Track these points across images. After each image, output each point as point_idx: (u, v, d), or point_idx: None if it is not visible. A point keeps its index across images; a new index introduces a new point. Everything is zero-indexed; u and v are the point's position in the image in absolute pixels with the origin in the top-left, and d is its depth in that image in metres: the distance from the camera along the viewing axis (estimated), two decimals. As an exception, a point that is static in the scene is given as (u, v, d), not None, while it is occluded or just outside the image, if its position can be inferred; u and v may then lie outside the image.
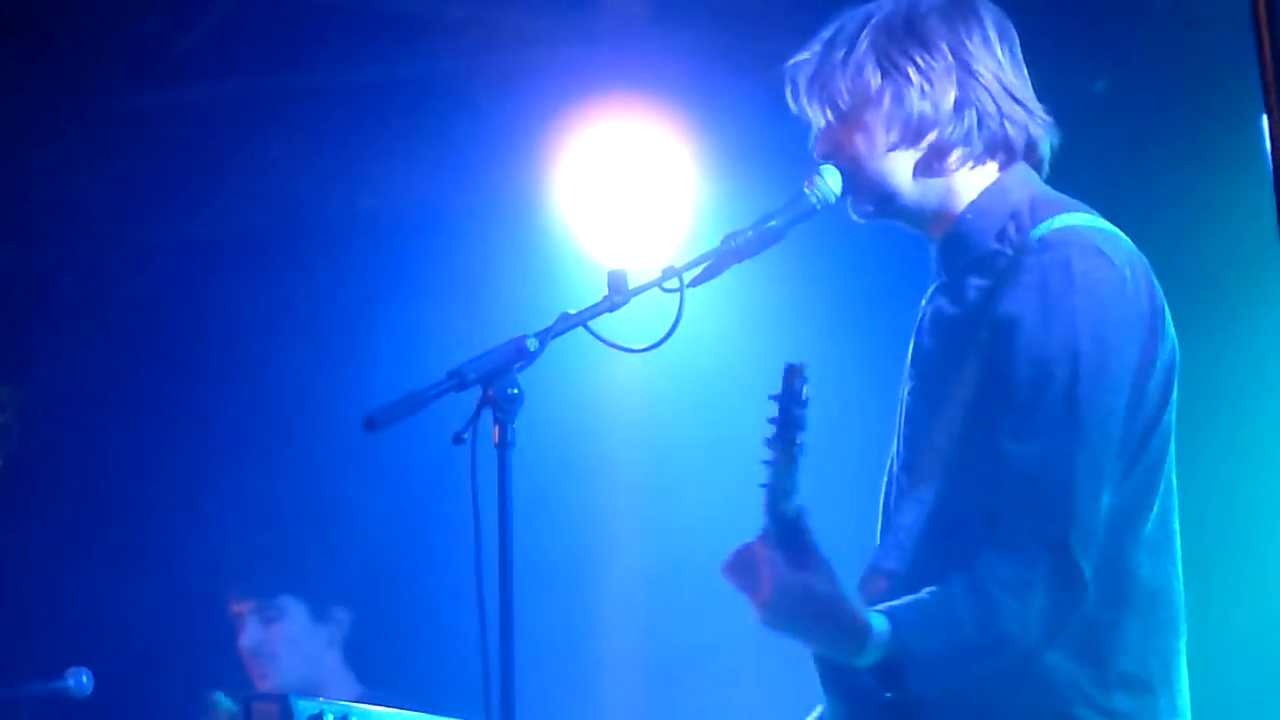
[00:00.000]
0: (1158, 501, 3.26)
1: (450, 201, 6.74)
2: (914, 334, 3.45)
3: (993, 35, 3.43)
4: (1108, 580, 3.14)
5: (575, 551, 6.48)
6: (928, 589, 3.07)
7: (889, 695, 3.05)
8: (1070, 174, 3.49)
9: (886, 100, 3.37)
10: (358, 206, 6.78)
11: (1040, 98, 3.46)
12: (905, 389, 3.42)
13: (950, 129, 3.37)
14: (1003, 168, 3.41)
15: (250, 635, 6.04)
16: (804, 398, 3.02)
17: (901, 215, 3.46)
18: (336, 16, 6.44)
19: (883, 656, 3.01)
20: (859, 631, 2.99)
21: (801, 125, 3.53)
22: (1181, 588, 3.30)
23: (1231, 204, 5.48)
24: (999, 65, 3.41)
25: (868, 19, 3.43)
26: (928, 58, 3.38)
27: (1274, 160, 1.98)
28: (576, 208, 6.57)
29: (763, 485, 3.04)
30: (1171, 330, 3.28)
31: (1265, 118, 1.94)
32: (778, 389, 3.03)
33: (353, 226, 6.80)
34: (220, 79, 6.65)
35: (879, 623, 2.99)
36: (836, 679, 3.20)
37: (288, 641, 6.05)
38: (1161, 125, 5.88)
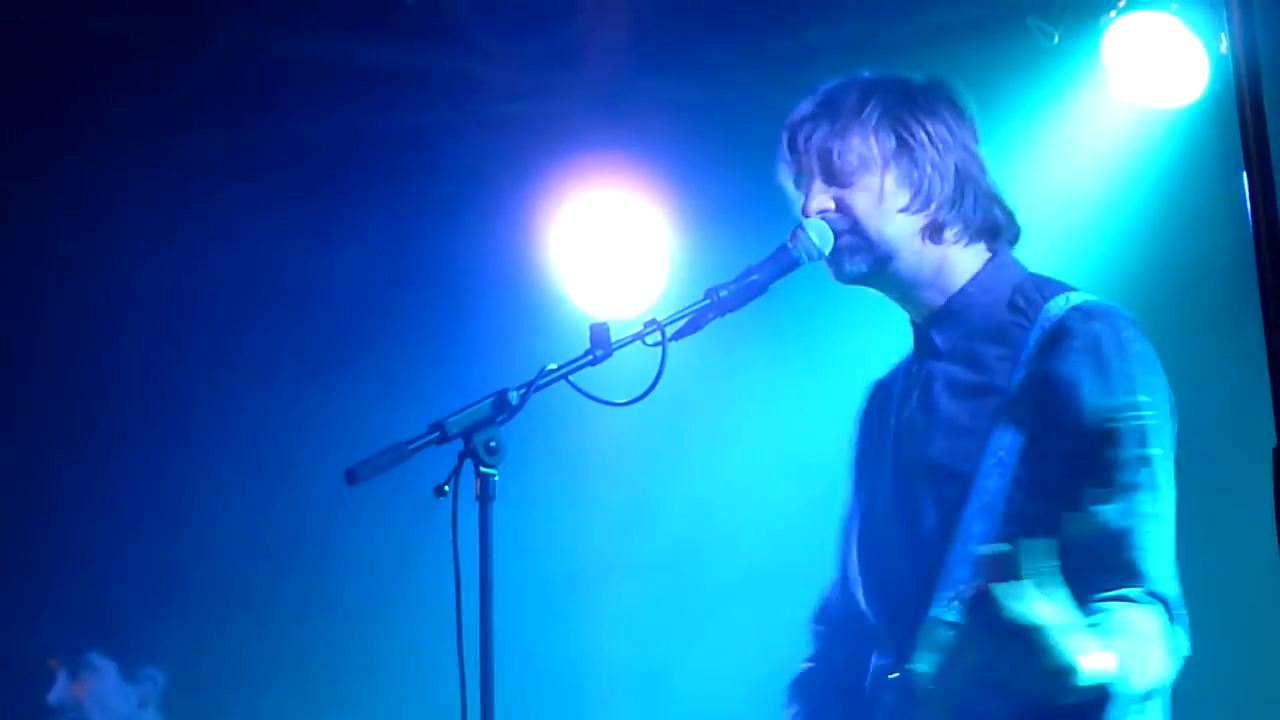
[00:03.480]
0: None
1: (432, 253, 6.75)
2: (911, 404, 3.46)
3: (976, 128, 3.54)
4: None
5: (556, 604, 6.47)
6: (1105, 631, 3.06)
7: None
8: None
9: (903, 163, 3.43)
10: (339, 257, 6.78)
11: None
12: (920, 453, 3.41)
13: (953, 201, 3.44)
14: (989, 249, 3.49)
15: (56, 691, 6.02)
16: None
17: (891, 280, 3.48)
18: (319, 70, 6.46)
19: (1086, 694, 3.01)
20: (1072, 672, 2.96)
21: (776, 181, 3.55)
22: None
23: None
24: (981, 154, 3.52)
25: (869, 86, 3.50)
26: (935, 127, 3.46)
27: (1254, 218, 1.99)
28: (559, 259, 6.59)
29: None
30: None
31: (1244, 174, 1.95)
32: None
33: (333, 277, 6.80)
34: (202, 132, 6.66)
35: (1098, 663, 2.98)
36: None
37: (94, 699, 6.05)
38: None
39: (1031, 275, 3.47)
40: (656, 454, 6.48)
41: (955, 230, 3.45)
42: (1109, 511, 3.16)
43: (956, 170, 3.44)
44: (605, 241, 6.53)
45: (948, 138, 3.46)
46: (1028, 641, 2.92)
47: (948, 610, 3.26)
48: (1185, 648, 3.18)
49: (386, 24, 6.32)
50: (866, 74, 3.53)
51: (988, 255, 3.48)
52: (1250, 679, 5.78)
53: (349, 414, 6.42)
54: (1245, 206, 1.99)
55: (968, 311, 3.44)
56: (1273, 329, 1.98)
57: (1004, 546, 2.95)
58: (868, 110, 3.45)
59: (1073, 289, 3.40)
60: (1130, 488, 3.18)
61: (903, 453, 3.46)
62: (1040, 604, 2.92)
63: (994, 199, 3.49)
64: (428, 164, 6.66)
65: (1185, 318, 5.60)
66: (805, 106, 3.52)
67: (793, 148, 3.50)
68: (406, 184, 6.69)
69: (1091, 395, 3.23)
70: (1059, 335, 3.29)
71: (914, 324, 3.53)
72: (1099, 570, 3.13)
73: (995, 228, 3.48)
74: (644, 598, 6.56)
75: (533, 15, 6.31)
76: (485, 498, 3.20)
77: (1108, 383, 3.23)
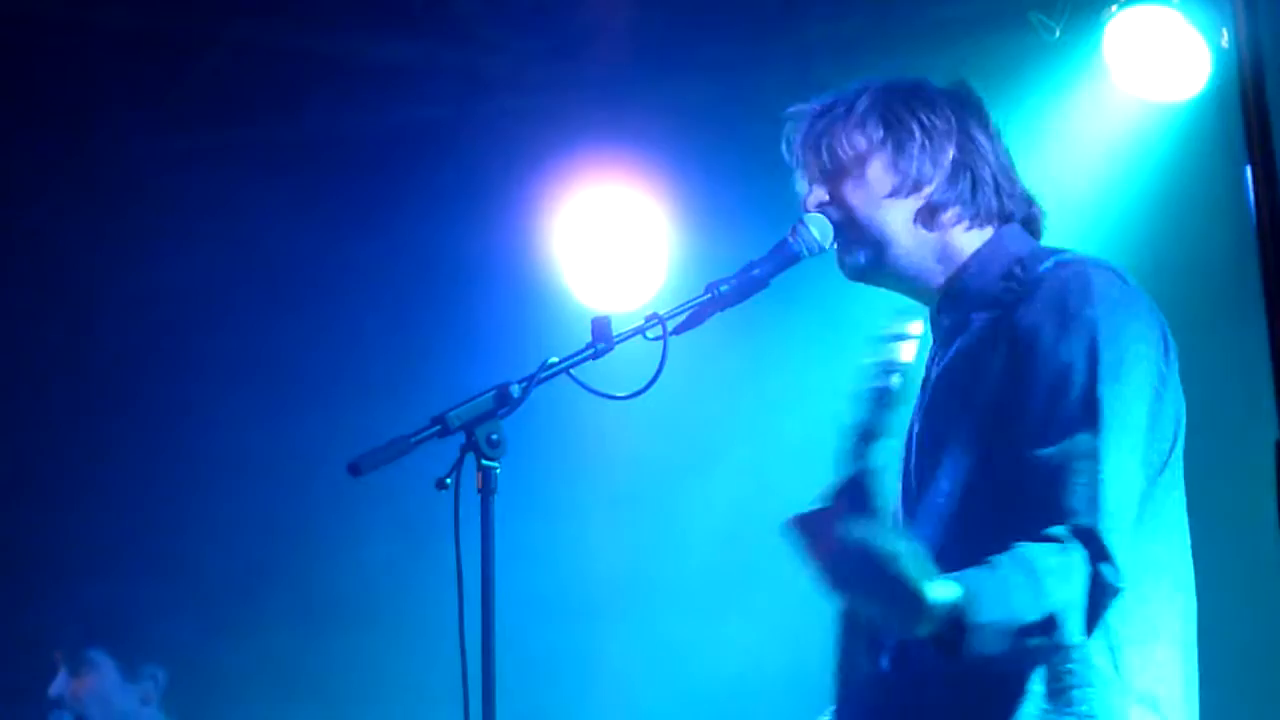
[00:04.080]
0: (1175, 535, 3.30)
1: (434, 246, 6.75)
2: (921, 390, 3.46)
3: (991, 125, 3.52)
4: (1134, 603, 3.16)
5: (558, 598, 6.47)
6: (974, 567, 3.02)
7: (943, 665, 3.03)
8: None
9: (888, 150, 3.43)
10: (340, 252, 6.78)
11: None
12: (912, 432, 3.41)
13: (947, 187, 3.43)
14: (997, 231, 3.46)
15: (57, 685, 6.03)
16: (911, 338, 2.99)
17: (893, 269, 3.47)
18: (324, 65, 6.46)
19: (942, 626, 2.96)
20: (920, 597, 2.91)
21: (781, 175, 3.56)
22: (1195, 618, 3.33)
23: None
24: (995, 147, 3.49)
25: (868, 85, 3.51)
26: (931, 116, 3.46)
27: (1257, 210, 1.99)
28: (561, 253, 6.59)
29: (853, 425, 2.96)
30: (1179, 381, 3.31)
31: (1248, 168, 1.95)
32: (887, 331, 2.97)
33: (334, 272, 6.81)
34: (208, 127, 6.67)
35: (944, 590, 2.93)
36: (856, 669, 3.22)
37: (94, 696, 6.06)
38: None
39: (1037, 247, 3.43)
40: (657, 447, 6.48)
41: (954, 212, 3.43)
42: (1045, 454, 3.12)
43: (955, 157, 3.43)
44: (606, 235, 6.53)
45: (942, 125, 3.45)
46: (873, 568, 2.90)
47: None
48: (1117, 582, 3.06)
49: (391, 19, 6.33)
50: (878, 78, 3.55)
51: (995, 232, 3.46)
52: (1253, 669, 5.78)
53: (351, 407, 6.42)
54: (1248, 199, 1.99)
55: (966, 289, 3.42)
56: (1275, 321, 1.97)
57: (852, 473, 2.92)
58: (858, 104, 3.47)
59: (1073, 253, 3.36)
60: (1070, 427, 3.13)
61: (913, 436, 3.46)
62: (883, 533, 2.90)
63: (1001, 186, 3.46)
64: (431, 158, 6.67)
65: (1186, 309, 5.58)
66: (804, 106, 3.54)
67: (789, 146, 3.53)
68: (409, 178, 6.69)
69: (1046, 345, 3.19)
70: (1034, 289, 3.27)
71: (930, 316, 3.52)
72: (1030, 511, 3.10)
73: (1002, 214, 3.46)
74: (647, 587, 6.56)
75: (536, 11, 6.32)
76: (487, 490, 3.21)
77: (1065, 327, 3.18)
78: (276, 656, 6.73)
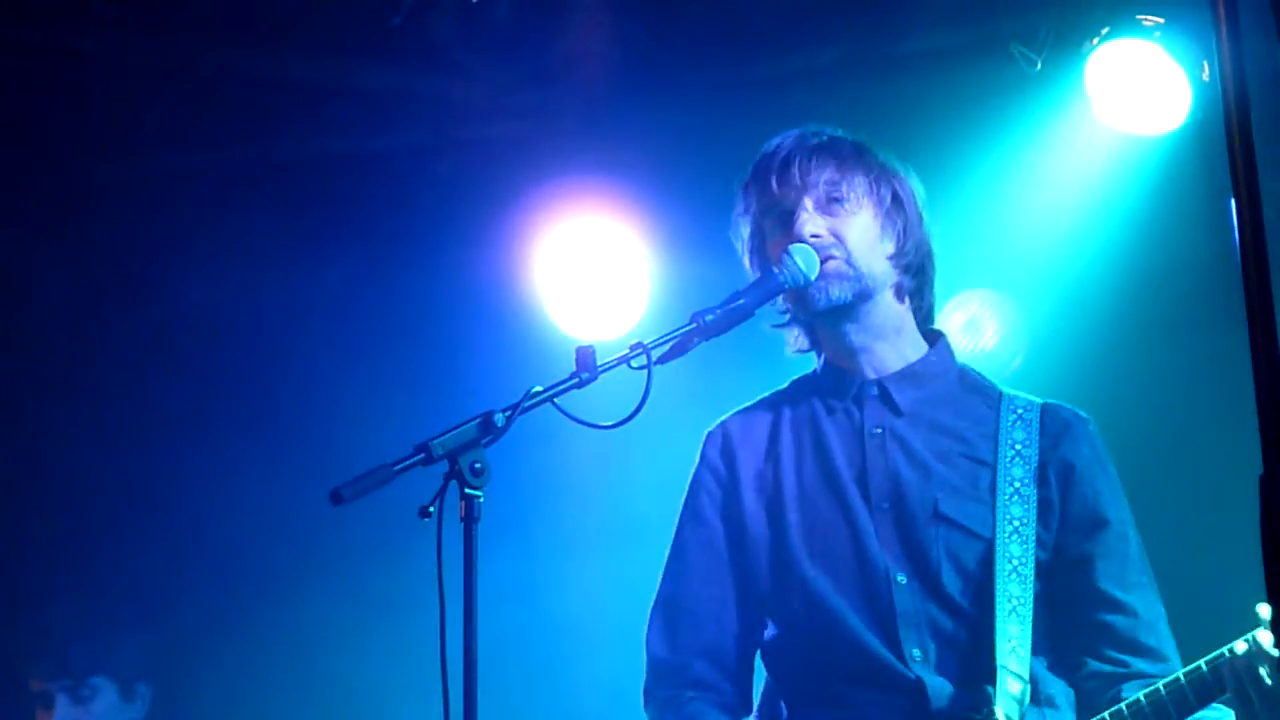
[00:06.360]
0: None
1: (416, 274, 6.74)
2: (886, 452, 3.53)
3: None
4: None
5: (541, 626, 6.46)
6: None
7: None
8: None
9: (894, 217, 3.65)
10: (321, 280, 6.76)
11: None
12: (924, 505, 3.49)
13: (918, 273, 3.70)
14: (925, 330, 3.76)
15: (60, 714, 6.04)
16: None
17: (866, 319, 3.65)
18: (302, 92, 6.45)
19: None
20: None
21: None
22: None
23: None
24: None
25: (862, 144, 3.73)
26: (917, 202, 3.72)
27: (1240, 242, 2.01)
28: (543, 281, 6.58)
29: None
30: None
31: (1233, 201, 1.97)
32: None
33: (315, 300, 6.79)
34: (182, 156, 6.65)
35: None
36: None
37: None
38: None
39: (966, 367, 3.79)
40: (641, 476, 6.47)
41: (911, 303, 3.70)
42: (1137, 602, 3.53)
43: (925, 244, 3.69)
44: (588, 264, 6.53)
45: (923, 214, 3.71)
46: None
47: (1009, 658, 3.44)
48: None
49: (370, 46, 6.31)
50: (864, 137, 3.76)
51: (927, 332, 3.74)
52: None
53: (333, 436, 6.40)
54: (1233, 231, 2.00)
55: (926, 379, 3.66)
56: (1258, 351, 1.99)
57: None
58: (870, 159, 3.67)
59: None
60: (1149, 584, 3.57)
61: (879, 494, 3.51)
62: None
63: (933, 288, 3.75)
64: (411, 187, 6.65)
65: (1167, 341, 5.61)
66: (797, 143, 3.60)
67: (785, 176, 3.56)
68: (390, 206, 6.68)
69: (1108, 492, 3.59)
70: (1064, 428, 3.61)
71: (850, 374, 3.61)
72: (1133, 653, 3.51)
73: (932, 314, 3.76)
74: (629, 619, 6.54)
75: (517, 39, 6.31)
76: (470, 519, 3.21)
77: (1112, 485, 3.61)
78: (256, 684, 6.70)
